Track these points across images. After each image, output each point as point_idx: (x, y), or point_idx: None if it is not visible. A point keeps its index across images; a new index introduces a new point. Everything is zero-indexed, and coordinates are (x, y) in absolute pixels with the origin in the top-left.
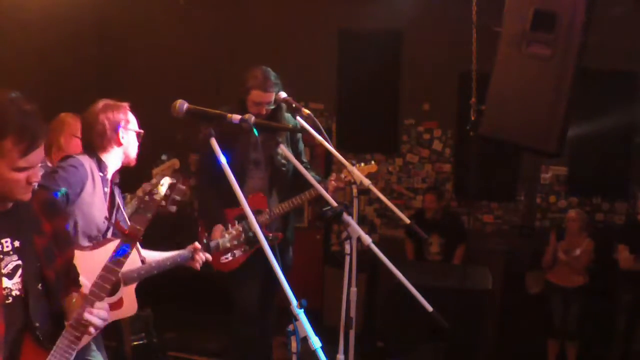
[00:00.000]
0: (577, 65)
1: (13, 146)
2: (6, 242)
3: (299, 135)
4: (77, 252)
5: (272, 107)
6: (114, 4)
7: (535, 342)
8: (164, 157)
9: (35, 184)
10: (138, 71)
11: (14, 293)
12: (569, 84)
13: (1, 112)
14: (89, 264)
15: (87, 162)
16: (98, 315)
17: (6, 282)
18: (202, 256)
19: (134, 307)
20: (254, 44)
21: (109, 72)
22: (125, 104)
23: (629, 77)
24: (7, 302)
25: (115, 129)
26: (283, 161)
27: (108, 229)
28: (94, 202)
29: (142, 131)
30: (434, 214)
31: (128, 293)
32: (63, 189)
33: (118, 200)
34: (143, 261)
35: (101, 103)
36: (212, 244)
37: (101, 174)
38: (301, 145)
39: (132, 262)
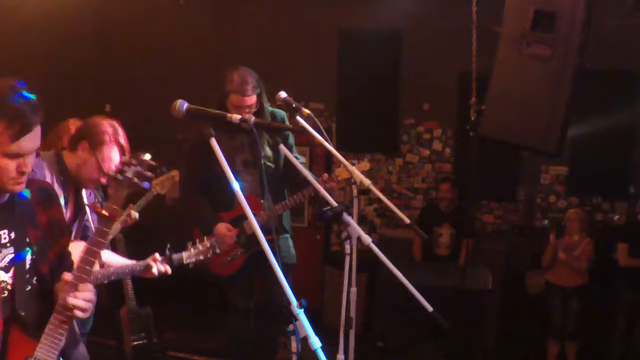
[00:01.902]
0: (577, 65)
1: (4, 130)
2: (4, 233)
3: (291, 138)
4: None
5: (255, 109)
6: (114, 4)
7: (535, 342)
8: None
9: (26, 175)
10: (138, 71)
11: (10, 287)
12: (569, 84)
13: None
14: None
15: (47, 163)
16: (83, 297)
17: (3, 276)
18: (161, 267)
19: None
20: (254, 44)
21: (108, 73)
22: (120, 138)
23: (629, 77)
24: (2, 295)
25: (91, 134)
26: (270, 164)
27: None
28: None
29: (107, 170)
30: (448, 205)
31: None
32: None
33: (86, 203)
34: (102, 265)
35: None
36: (175, 257)
37: (62, 177)
38: (291, 140)
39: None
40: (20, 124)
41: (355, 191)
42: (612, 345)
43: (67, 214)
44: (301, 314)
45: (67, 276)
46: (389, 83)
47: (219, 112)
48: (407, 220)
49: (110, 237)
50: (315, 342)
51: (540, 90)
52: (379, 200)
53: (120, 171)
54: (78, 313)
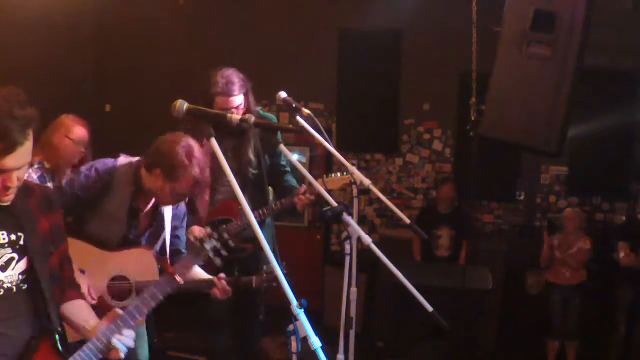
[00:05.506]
0: (577, 65)
1: None
2: (2, 234)
3: (278, 135)
4: (91, 248)
5: (242, 111)
6: (114, 4)
7: (535, 342)
8: None
9: (13, 189)
10: (138, 71)
11: (5, 286)
12: (569, 84)
13: None
14: (99, 264)
15: (124, 172)
16: (125, 343)
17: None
18: (225, 288)
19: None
20: (254, 44)
21: (108, 72)
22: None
23: (629, 77)
24: None
25: (166, 165)
26: (253, 170)
27: (127, 241)
28: (116, 215)
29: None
30: (447, 207)
31: None
32: None
33: (166, 222)
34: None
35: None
36: (244, 279)
37: (134, 188)
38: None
39: (150, 273)
40: (5, 143)
41: (355, 191)
42: (612, 345)
43: (134, 222)
44: (301, 314)
45: (118, 312)
46: (389, 83)
47: (220, 112)
48: (407, 220)
49: None
50: (315, 342)
51: (540, 90)
52: (379, 200)
53: (201, 240)
54: (118, 355)
